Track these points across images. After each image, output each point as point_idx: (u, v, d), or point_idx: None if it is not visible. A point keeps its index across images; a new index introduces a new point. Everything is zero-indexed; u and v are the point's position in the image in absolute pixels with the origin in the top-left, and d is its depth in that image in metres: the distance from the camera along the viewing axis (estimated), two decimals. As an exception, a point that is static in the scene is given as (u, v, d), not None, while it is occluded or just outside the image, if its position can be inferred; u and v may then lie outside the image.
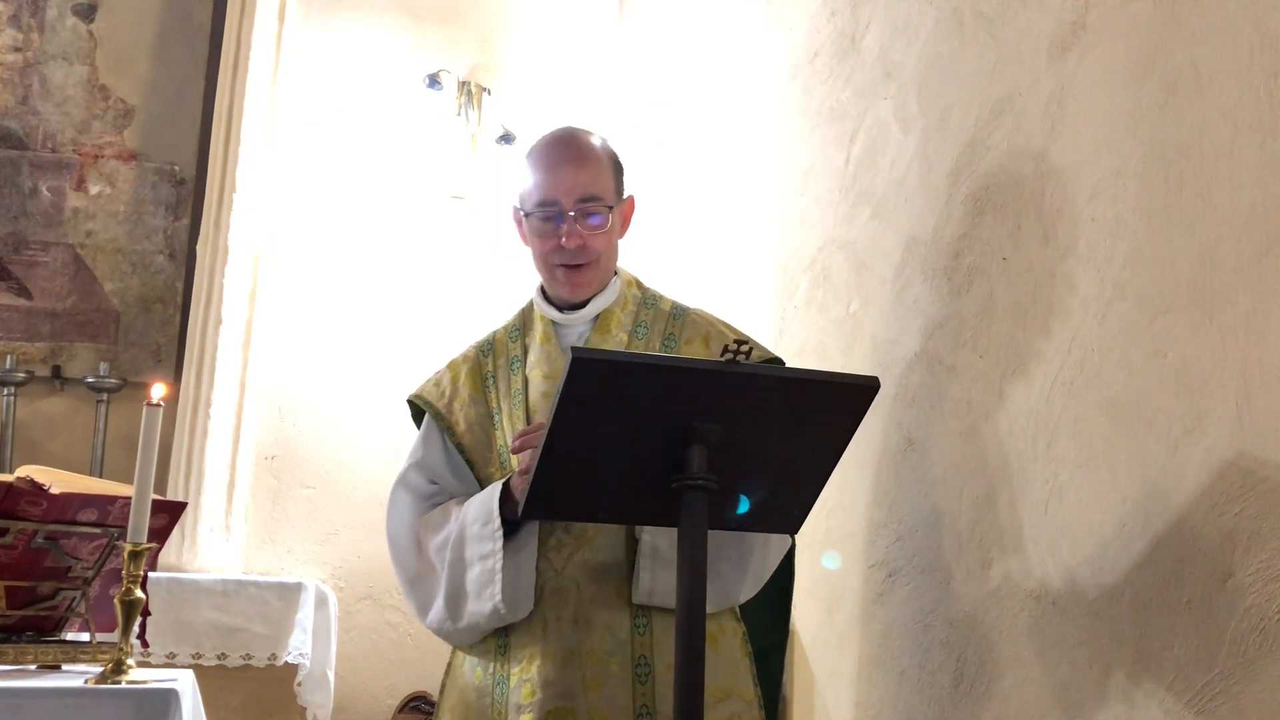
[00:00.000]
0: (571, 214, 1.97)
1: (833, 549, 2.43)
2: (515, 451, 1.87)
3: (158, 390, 2.04)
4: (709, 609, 1.86)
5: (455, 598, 1.92)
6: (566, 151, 2.01)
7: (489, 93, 4.26)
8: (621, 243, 2.10)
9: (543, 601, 1.90)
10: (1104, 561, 1.67)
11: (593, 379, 1.50)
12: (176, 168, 4.21)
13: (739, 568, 1.93)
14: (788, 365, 2.01)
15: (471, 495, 2.00)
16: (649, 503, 1.66)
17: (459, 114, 4.18)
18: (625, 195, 2.08)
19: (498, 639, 1.94)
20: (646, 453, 1.59)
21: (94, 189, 4.16)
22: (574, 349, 1.49)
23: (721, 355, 1.53)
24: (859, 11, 2.58)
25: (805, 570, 2.52)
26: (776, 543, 1.97)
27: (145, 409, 2.04)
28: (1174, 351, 1.58)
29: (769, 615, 2.11)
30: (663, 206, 3.66)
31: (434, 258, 4.16)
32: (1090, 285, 1.75)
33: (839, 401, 1.62)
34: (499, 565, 1.86)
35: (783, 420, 1.62)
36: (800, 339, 2.69)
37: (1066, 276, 1.80)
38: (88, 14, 4.21)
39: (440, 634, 2.00)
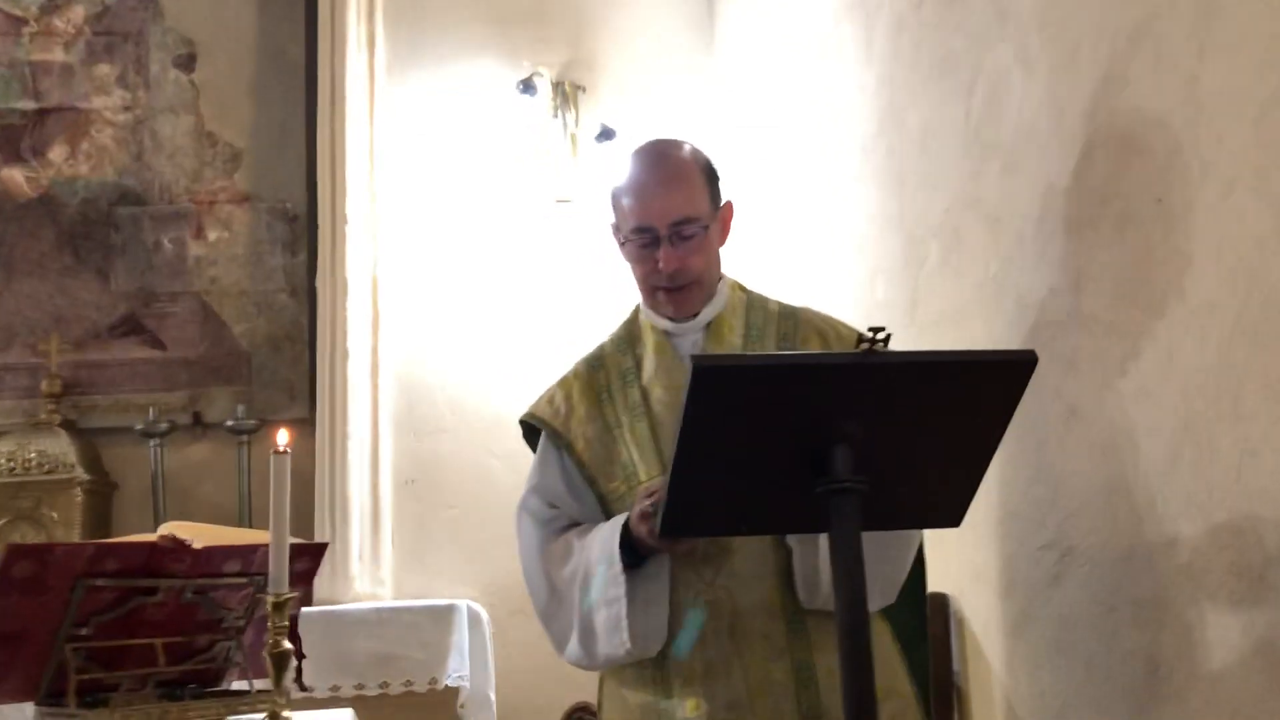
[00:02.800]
0: (666, 237, 1.91)
1: (995, 529, 2.27)
2: (640, 520, 1.78)
3: (283, 437, 2.01)
4: (873, 607, 1.79)
5: (587, 638, 1.90)
6: (657, 173, 1.96)
7: (584, 90, 4.18)
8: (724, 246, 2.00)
9: (697, 613, 1.86)
10: (1316, 528, 1.48)
11: (718, 388, 1.40)
12: (288, 205, 4.25)
13: (883, 568, 1.84)
14: (925, 342, 1.88)
15: (592, 519, 1.97)
16: (795, 509, 1.55)
17: (555, 115, 4.12)
18: (722, 203, 2.01)
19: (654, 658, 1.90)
20: (785, 458, 1.48)
21: (212, 235, 4.23)
22: (694, 357, 1.39)
23: (856, 346, 1.40)
24: (964, -48, 2.40)
25: (970, 555, 2.37)
26: (913, 536, 1.90)
27: (273, 457, 2.01)
28: (1376, 285, 1.39)
29: (904, 606, 2.00)
30: (767, 198, 3.53)
31: (545, 263, 4.11)
32: (1267, 219, 1.56)
33: (993, 382, 1.48)
34: (624, 610, 1.83)
35: (931, 409, 1.49)
36: (937, 308, 2.52)
37: (1236, 212, 1.61)
38: (188, 64, 4.28)
39: (580, 667, 1.98)
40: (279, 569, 1.98)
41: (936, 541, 2.23)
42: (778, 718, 1.81)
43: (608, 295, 3.82)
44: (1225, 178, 1.64)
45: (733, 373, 1.38)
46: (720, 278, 2.03)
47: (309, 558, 2.35)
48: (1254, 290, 1.60)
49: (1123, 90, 1.87)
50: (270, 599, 2.00)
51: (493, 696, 3.56)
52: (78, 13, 4.23)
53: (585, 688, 3.76)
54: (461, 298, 4.06)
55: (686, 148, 2.01)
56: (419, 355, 4.02)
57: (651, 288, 1.97)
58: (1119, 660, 1.89)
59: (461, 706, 3.48)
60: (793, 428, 1.45)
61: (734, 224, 2.06)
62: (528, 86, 4.05)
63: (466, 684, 3.47)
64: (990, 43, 2.31)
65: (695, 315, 1.98)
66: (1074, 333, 2.01)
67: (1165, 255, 1.77)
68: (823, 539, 1.75)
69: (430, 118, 4.12)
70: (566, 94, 4.14)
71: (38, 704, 2.05)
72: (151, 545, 2.13)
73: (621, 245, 2.01)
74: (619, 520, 1.87)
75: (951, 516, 1.64)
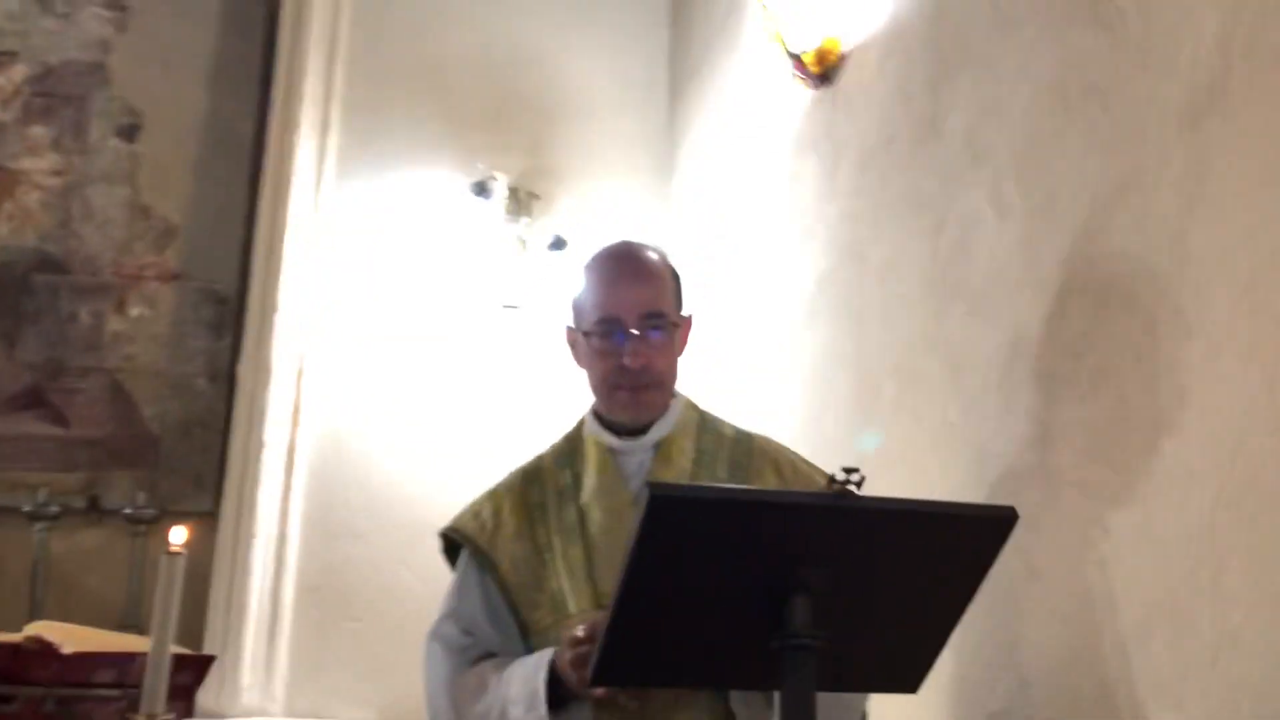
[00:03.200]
0: (635, 332, 1.81)
1: (939, 696, 2.13)
2: (571, 665, 1.62)
3: (178, 535, 1.82)
4: None
5: None
6: (627, 266, 1.88)
7: (539, 199, 4.10)
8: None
9: None
10: (1303, 724, 1.37)
11: (675, 520, 1.26)
12: (218, 286, 4.07)
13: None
14: (877, 487, 1.75)
15: (511, 651, 1.81)
16: (744, 663, 1.40)
17: (509, 220, 4.02)
18: (685, 313, 1.92)
19: None
20: (740, 605, 1.34)
21: (134, 311, 4.03)
22: (650, 484, 1.26)
23: (828, 486, 1.28)
24: (939, 93, 2.37)
25: (911, 715, 2.22)
26: (859, 700, 1.77)
27: (164, 557, 1.81)
28: (1380, 467, 1.30)
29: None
30: (721, 324, 3.45)
31: (487, 370, 3.95)
32: (1257, 386, 1.48)
33: (969, 538, 1.36)
34: None
35: (902, 562, 1.36)
36: (890, 451, 2.42)
37: (1223, 377, 1.54)
38: (130, 134, 4.13)
39: None
40: (155, 684, 1.76)
41: (877, 701, 2.08)
42: None
43: (549, 407, 3.66)
44: (1212, 339, 1.57)
45: (693, 504, 1.24)
46: (674, 394, 1.92)
47: (193, 671, 2.14)
48: (1239, 459, 1.51)
49: (1104, 241, 1.81)
50: (141, 718, 1.78)
51: (382, 832, 3.27)
52: (19, 71, 4.07)
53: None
54: (392, 398, 3.87)
55: (655, 250, 1.95)
56: (340, 454, 3.80)
57: (612, 386, 1.85)
58: None
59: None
60: (751, 572, 1.31)
61: (689, 344, 1.95)
62: (482, 189, 3.95)
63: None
64: (963, 184, 2.26)
65: (646, 430, 1.86)
66: (1039, 488, 1.91)
67: (1143, 415, 1.69)
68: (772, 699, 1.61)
69: (377, 211, 4.00)
70: (521, 200, 4.05)
71: None
72: (14, 647, 1.92)
73: (575, 345, 1.90)
74: (544, 656, 1.70)
75: (910, 682, 1.50)
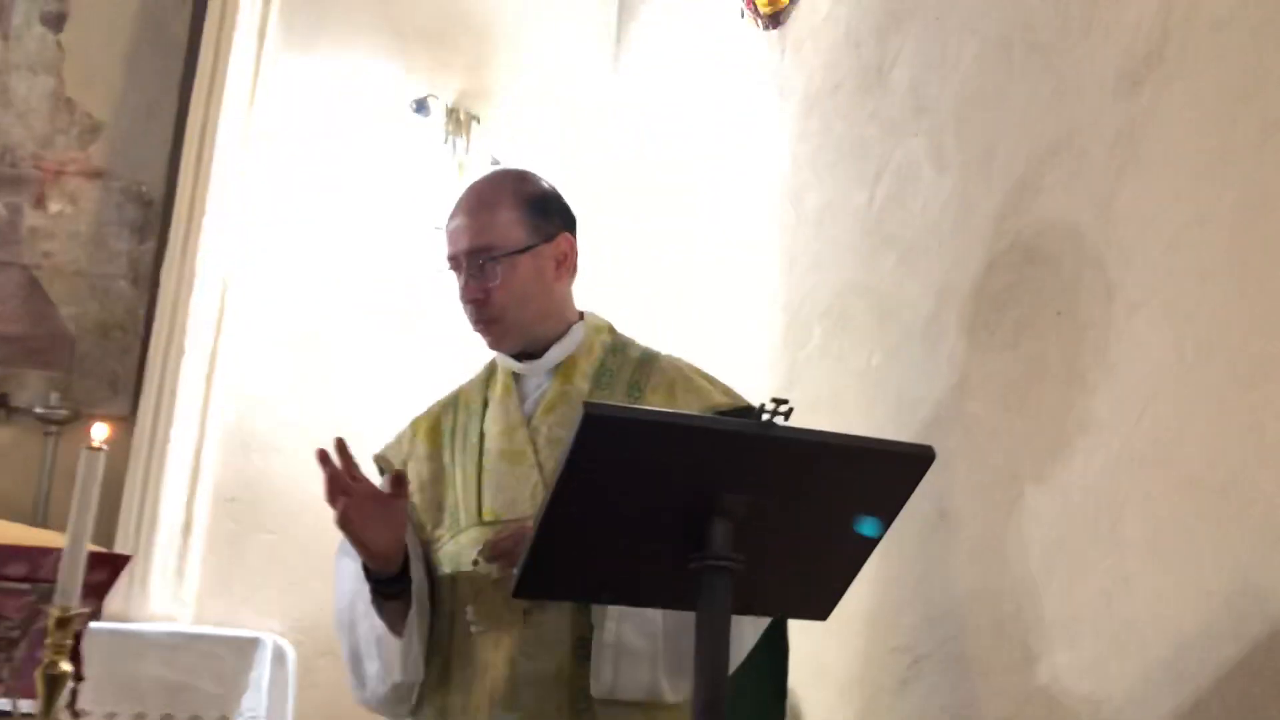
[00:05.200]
0: (465, 267, 1.81)
1: (847, 628, 2.20)
2: (491, 559, 1.69)
3: (99, 431, 1.79)
4: (674, 698, 1.73)
5: (355, 658, 1.83)
6: (465, 203, 1.86)
7: (478, 121, 4.05)
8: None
9: (476, 675, 1.75)
10: (1184, 666, 1.45)
11: (606, 439, 1.28)
12: (144, 188, 3.96)
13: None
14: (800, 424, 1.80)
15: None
16: (662, 581, 1.43)
17: (446, 141, 3.97)
18: (553, 236, 1.87)
19: (437, 709, 1.79)
20: (662, 526, 1.37)
21: (54, 207, 3.90)
22: (586, 403, 1.27)
23: (758, 414, 1.31)
24: (887, 42, 2.39)
25: (813, 651, 2.29)
26: (751, 623, 1.78)
27: (84, 452, 1.79)
28: (1275, 426, 1.37)
29: (760, 700, 1.91)
30: (656, 247, 3.46)
31: (413, 291, 3.92)
32: (1167, 347, 1.55)
33: (888, 474, 1.41)
34: (381, 628, 1.77)
35: (821, 493, 1.41)
36: (813, 391, 2.47)
37: (1137, 336, 1.60)
38: (56, 23, 3.97)
39: (361, 702, 1.87)
40: (70, 579, 1.74)
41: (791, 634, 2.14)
42: None
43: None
44: (1131, 299, 1.63)
45: (624, 425, 1.27)
46: (579, 316, 1.93)
47: (107, 570, 2.10)
48: (1146, 417, 1.58)
49: (1035, 199, 1.86)
50: (55, 612, 1.76)
51: (286, 742, 3.29)
52: (-62, -53, 3.90)
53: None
54: (319, 311, 3.83)
55: (508, 176, 1.93)
56: (262, 365, 3.76)
57: (471, 322, 1.88)
58: (960, 777, 1.83)
59: (251, 749, 3.21)
60: (676, 493, 1.34)
61: (583, 262, 1.93)
62: (421, 106, 3.90)
63: (260, 725, 3.20)
64: (903, 135, 2.29)
65: (542, 351, 1.87)
66: (954, 434, 1.97)
67: (1060, 369, 1.75)
68: (626, 626, 1.68)
69: (314, 119, 3.91)
70: (460, 121, 4.00)
71: None
72: (-76, 533, 1.88)
73: None
74: None
75: (820, 609, 1.55)
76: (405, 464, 1.92)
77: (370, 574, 1.77)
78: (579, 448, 1.27)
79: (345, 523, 1.71)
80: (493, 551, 1.68)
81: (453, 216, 1.88)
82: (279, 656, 3.33)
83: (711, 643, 1.38)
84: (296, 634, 3.55)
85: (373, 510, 1.71)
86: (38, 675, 1.77)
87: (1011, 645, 1.76)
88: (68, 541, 1.78)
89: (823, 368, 2.47)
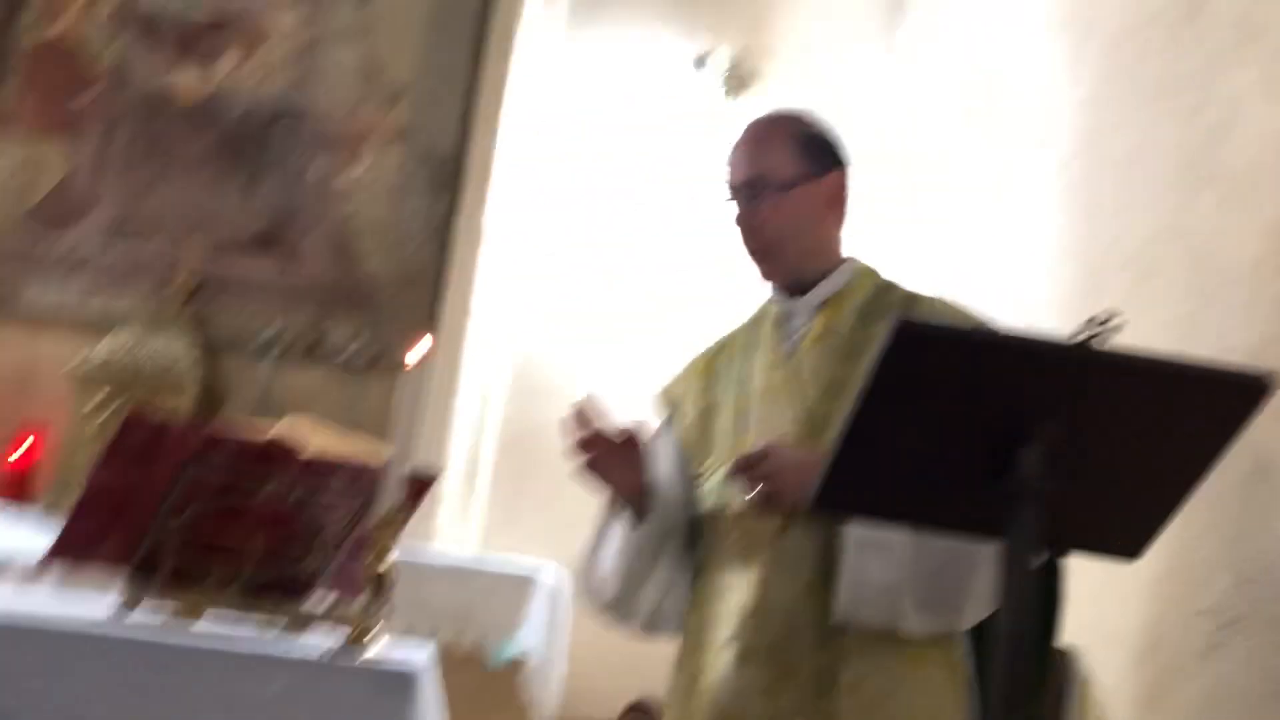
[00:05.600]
0: (742, 196, 1.85)
1: (1146, 589, 2.08)
2: (737, 471, 1.74)
3: (420, 349, 1.93)
4: (923, 630, 1.72)
5: (590, 574, 1.99)
6: (744, 135, 1.90)
7: (758, 77, 4.08)
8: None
9: (729, 595, 1.81)
10: None
11: (918, 353, 1.26)
12: (440, 148, 4.22)
13: (963, 582, 1.72)
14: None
15: (680, 498, 1.92)
16: (964, 507, 1.40)
17: (726, 97, 4.02)
18: (826, 174, 1.87)
19: (696, 634, 1.86)
20: (969, 447, 1.34)
21: (361, 166, 4.22)
22: (899, 316, 1.25)
23: (1080, 329, 1.25)
24: (1209, -32, 2.22)
25: (1106, 610, 2.18)
26: (980, 556, 1.70)
27: (406, 371, 1.94)
28: None
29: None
30: (935, 207, 3.37)
31: (692, 246, 4.00)
32: None
33: (1219, 403, 1.31)
34: (622, 541, 1.88)
35: (1145, 420, 1.33)
36: (1113, 343, 2.33)
37: None
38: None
39: (634, 629, 1.98)
40: (394, 485, 1.90)
41: (1070, 592, 2.05)
42: (789, 714, 1.71)
43: (751, 283, 3.69)
44: None
45: (938, 338, 1.24)
46: (844, 259, 1.93)
47: (417, 489, 2.27)
48: None
49: (1391, 124, 1.68)
50: (380, 516, 1.92)
51: (561, 672, 3.45)
52: (267, -70, 4.27)
53: (655, 685, 3.64)
54: (603, 265, 3.97)
55: (786, 113, 1.93)
56: (548, 314, 3.94)
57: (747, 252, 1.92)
58: (1278, 749, 1.70)
59: (526, 678, 3.38)
60: (986, 414, 1.30)
61: (863, 206, 1.96)
62: (701, 62, 3.96)
63: (535, 657, 3.36)
64: (1226, 67, 2.13)
65: (809, 289, 1.88)
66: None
67: None
68: (870, 555, 1.70)
69: (598, 81, 4.05)
70: (741, 77, 4.04)
71: (129, 576, 1.99)
72: (267, 443, 2.07)
73: None
74: None
75: (1131, 547, 1.47)
76: (683, 403, 1.99)
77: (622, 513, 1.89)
78: (887, 360, 1.25)
79: (587, 472, 1.86)
80: (737, 466, 1.71)
81: (731, 152, 1.91)
82: (557, 593, 3.49)
83: (1016, 574, 1.34)
84: (573, 573, 3.70)
85: (613, 459, 1.83)
86: (363, 573, 1.94)
87: (1346, 610, 1.61)
88: (393, 451, 1.93)
89: (1127, 317, 2.33)
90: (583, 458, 1.83)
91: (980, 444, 1.32)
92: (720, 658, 1.78)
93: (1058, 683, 2.21)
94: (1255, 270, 1.95)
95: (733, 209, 1.88)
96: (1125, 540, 1.46)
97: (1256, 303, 1.93)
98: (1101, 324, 1.24)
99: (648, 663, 3.68)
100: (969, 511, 1.39)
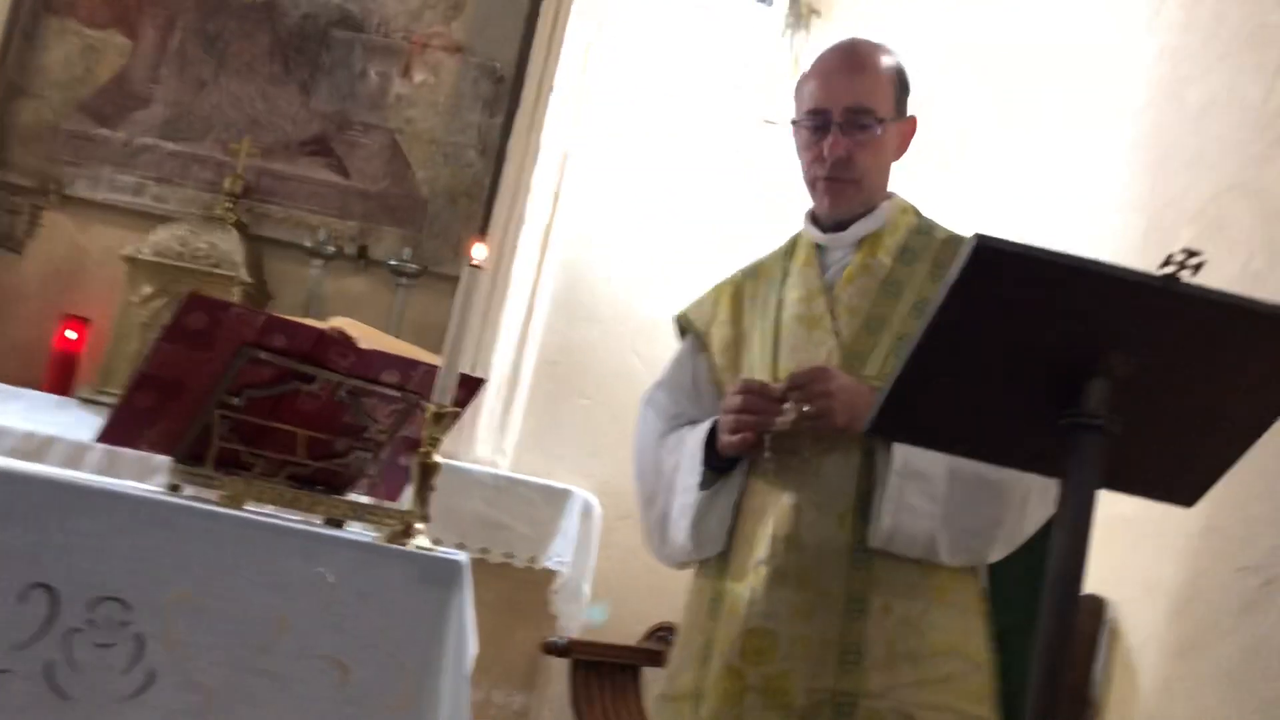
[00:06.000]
0: (839, 123, 1.83)
1: (1188, 543, 2.08)
2: (790, 388, 1.74)
3: (480, 251, 1.94)
4: (950, 560, 1.74)
5: (663, 521, 1.93)
6: (844, 59, 1.89)
7: (819, 15, 4.01)
8: (916, 173, 1.97)
9: (763, 519, 1.81)
10: None
11: (996, 272, 1.25)
12: (498, 64, 4.19)
13: (995, 519, 1.75)
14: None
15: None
16: (1026, 439, 1.40)
17: (785, 33, 3.96)
18: (906, 115, 1.92)
19: (720, 555, 1.88)
20: (1035, 377, 1.33)
21: (418, 78, 4.20)
22: (977, 235, 1.24)
23: (1161, 265, 1.24)
24: (1309, -82, 2.16)
25: (1146, 563, 2.19)
26: (1038, 499, 1.73)
27: (466, 269, 1.94)
28: None
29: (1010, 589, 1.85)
30: (994, 151, 3.32)
31: (739, 182, 3.97)
32: None
33: (1294, 348, 1.30)
34: (691, 501, 1.85)
35: (1213, 362, 1.32)
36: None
37: None
38: (431, -96, 4.23)
39: (657, 556, 1.99)
40: (448, 379, 1.91)
41: (1105, 543, 2.04)
42: (815, 644, 1.74)
43: (794, 222, 3.67)
44: None
45: (1017, 259, 1.23)
46: (888, 196, 1.93)
47: (465, 390, 2.29)
48: None
49: None
50: (432, 408, 1.94)
51: (586, 590, 3.49)
52: None
53: (676, 609, 3.68)
54: (648, 194, 3.95)
55: (883, 47, 1.93)
56: (592, 241, 3.94)
57: (813, 178, 1.90)
58: (1312, 705, 1.70)
59: (554, 591, 3.43)
60: (1057, 343, 1.29)
61: (919, 146, 1.95)
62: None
63: (565, 569, 3.41)
64: (1316, 21, 2.08)
65: (848, 224, 1.90)
66: (1349, 344, 1.79)
67: None
68: (910, 484, 1.71)
69: (658, 6, 4.00)
70: (801, 14, 3.98)
71: (176, 460, 2.02)
72: (320, 333, 2.09)
73: (795, 134, 1.94)
74: (713, 420, 1.87)
75: (1188, 494, 1.46)
76: (709, 328, 2.01)
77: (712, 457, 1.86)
78: (962, 279, 1.25)
79: (746, 443, 1.79)
80: (791, 383, 1.72)
81: (824, 70, 1.89)
82: (587, 511, 3.53)
83: (1076, 509, 1.33)
84: (602, 495, 3.74)
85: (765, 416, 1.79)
86: (414, 466, 1.96)
87: (1395, 572, 1.61)
88: (447, 346, 1.94)
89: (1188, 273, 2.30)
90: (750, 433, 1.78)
91: (1048, 374, 1.31)
92: (751, 580, 1.79)
93: (1091, 630, 2.23)
94: (1330, 229, 1.92)
95: (812, 131, 1.86)
96: (1183, 486, 1.46)
97: (1328, 261, 1.90)
98: (1183, 261, 1.23)
99: (675, 585, 3.73)
100: (1030, 443, 1.39)
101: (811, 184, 1.91)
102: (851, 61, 1.87)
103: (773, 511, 1.80)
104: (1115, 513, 1.76)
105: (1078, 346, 1.30)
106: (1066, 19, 3.09)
